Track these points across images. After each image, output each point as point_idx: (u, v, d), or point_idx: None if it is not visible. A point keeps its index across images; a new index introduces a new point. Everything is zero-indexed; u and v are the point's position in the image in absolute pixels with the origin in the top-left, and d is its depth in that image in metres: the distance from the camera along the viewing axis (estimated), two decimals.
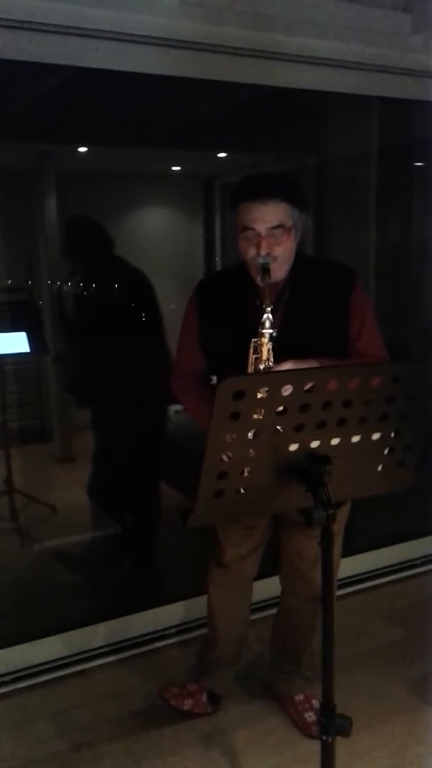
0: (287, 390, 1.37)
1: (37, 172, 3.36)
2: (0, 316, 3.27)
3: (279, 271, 1.89)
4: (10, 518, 3.55)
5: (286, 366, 1.79)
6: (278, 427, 1.41)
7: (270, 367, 1.80)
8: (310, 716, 2.28)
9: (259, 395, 1.36)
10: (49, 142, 3.26)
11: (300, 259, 1.96)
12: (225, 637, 2.30)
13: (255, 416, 1.39)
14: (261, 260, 1.86)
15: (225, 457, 1.42)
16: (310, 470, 1.44)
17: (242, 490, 1.49)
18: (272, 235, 1.86)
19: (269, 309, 1.80)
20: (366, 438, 1.50)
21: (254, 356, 1.83)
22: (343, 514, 2.12)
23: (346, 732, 1.51)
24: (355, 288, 1.98)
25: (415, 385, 1.50)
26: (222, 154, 3.69)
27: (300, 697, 2.33)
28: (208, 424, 1.91)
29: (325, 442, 1.46)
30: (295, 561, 2.20)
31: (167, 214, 3.88)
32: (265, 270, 1.84)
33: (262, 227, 1.86)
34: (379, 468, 1.58)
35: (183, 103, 2.92)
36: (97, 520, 3.23)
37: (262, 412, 1.39)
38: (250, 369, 1.83)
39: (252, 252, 1.87)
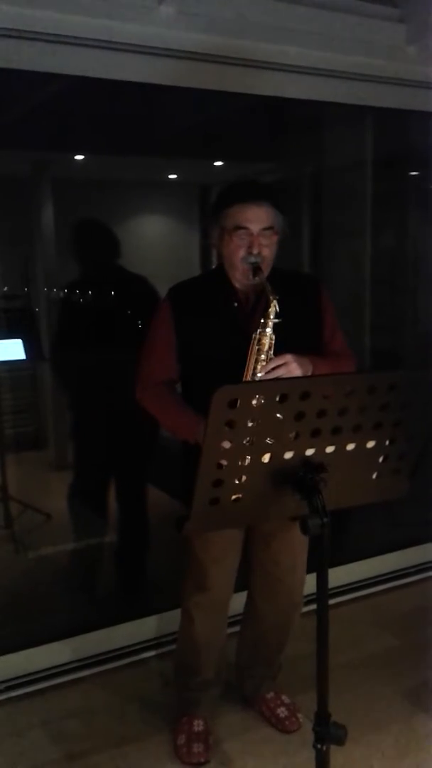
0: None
1: (34, 180, 3.37)
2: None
3: (265, 273, 1.94)
4: (4, 525, 3.53)
5: (287, 357, 1.85)
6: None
7: (271, 360, 1.85)
8: (283, 712, 2.31)
9: (254, 403, 1.37)
10: (46, 150, 3.27)
11: (271, 270, 2.01)
12: (209, 662, 2.25)
13: (250, 424, 1.39)
14: (252, 259, 1.93)
15: (220, 465, 1.43)
16: (305, 478, 1.44)
17: (238, 498, 1.49)
18: (263, 235, 1.94)
19: (276, 300, 1.85)
20: (361, 446, 1.51)
21: (256, 347, 1.87)
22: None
23: (341, 740, 1.51)
24: (323, 293, 2.11)
25: (410, 393, 1.50)
26: (219, 163, 3.70)
27: (270, 695, 2.35)
28: (188, 431, 1.93)
29: (320, 450, 1.46)
30: (271, 570, 2.19)
31: (164, 222, 3.89)
32: (257, 268, 1.92)
33: (256, 227, 1.94)
34: (374, 476, 1.58)
35: (180, 112, 2.93)
36: (87, 525, 3.23)
37: (257, 419, 1.39)
38: (251, 363, 1.87)
39: (242, 252, 1.94)
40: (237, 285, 2.02)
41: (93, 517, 3.20)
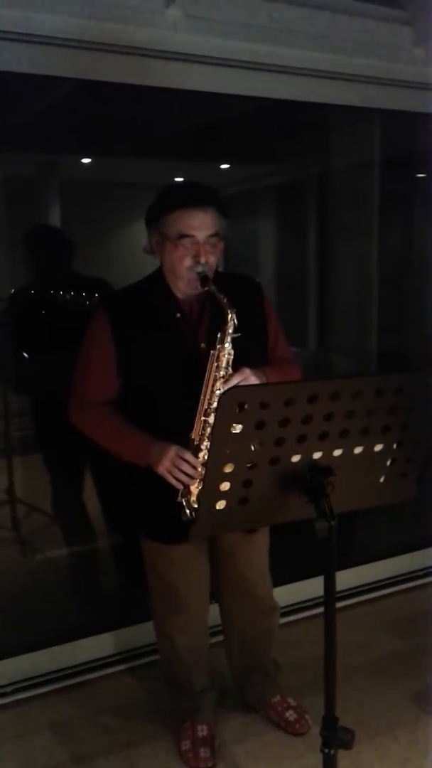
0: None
1: (41, 183, 3.38)
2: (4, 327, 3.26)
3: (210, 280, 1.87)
4: (11, 527, 3.54)
5: (246, 372, 1.80)
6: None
7: (230, 375, 1.80)
8: (291, 715, 2.28)
9: (261, 407, 1.37)
10: (53, 153, 3.28)
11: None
12: (200, 673, 2.22)
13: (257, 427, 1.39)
14: (200, 269, 1.84)
15: (226, 469, 1.42)
16: (312, 481, 1.44)
17: (245, 502, 1.49)
18: (209, 243, 1.86)
19: (234, 313, 1.78)
20: (368, 449, 1.50)
21: (215, 364, 1.80)
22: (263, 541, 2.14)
23: (348, 745, 1.50)
24: (264, 296, 2.03)
25: (418, 396, 1.50)
26: (225, 166, 3.71)
27: (276, 698, 2.33)
28: (138, 454, 1.85)
29: (328, 453, 1.46)
30: (239, 584, 2.16)
31: None
32: (205, 278, 1.83)
33: (201, 234, 1.84)
34: (382, 479, 1.58)
35: (186, 115, 2.94)
36: (93, 528, 3.22)
37: (264, 422, 1.39)
38: (210, 380, 1.81)
39: (188, 262, 1.85)
40: (179, 294, 1.93)
41: (93, 520, 3.19)
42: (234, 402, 1.34)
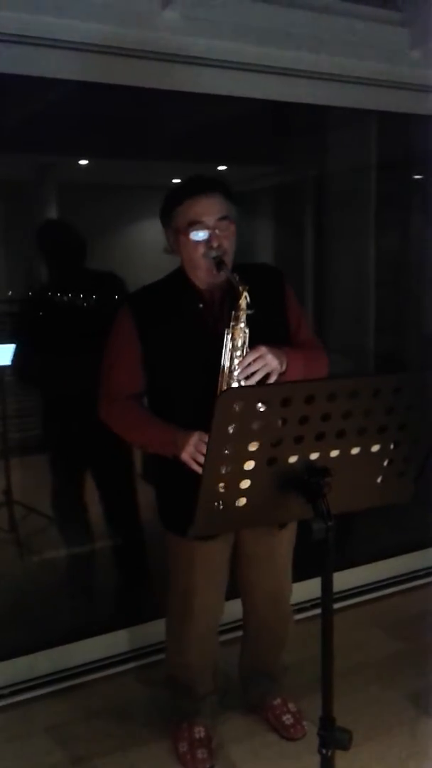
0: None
1: (38, 184, 3.38)
2: (0, 327, 3.26)
3: (228, 265, 1.88)
4: (9, 529, 3.53)
5: (262, 350, 1.80)
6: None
7: (246, 353, 1.80)
8: (288, 719, 2.28)
9: (259, 407, 1.37)
10: (50, 155, 3.28)
11: (233, 265, 1.95)
12: (204, 678, 2.23)
13: (254, 426, 1.39)
14: (214, 253, 1.85)
15: (224, 469, 1.42)
16: (310, 482, 1.44)
17: (242, 502, 1.49)
18: (219, 227, 1.88)
19: (247, 289, 1.79)
20: (365, 449, 1.50)
21: (230, 343, 1.81)
22: (290, 534, 2.14)
23: (345, 745, 1.50)
24: (286, 284, 2.05)
25: (415, 396, 1.50)
26: (222, 167, 3.71)
27: (277, 701, 2.33)
28: (162, 445, 1.88)
29: (325, 453, 1.46)
30: (259, 588, 2.17)
31: None
32: (221, 262, 1.84)
33: (210, 219, 1.87)
34: (379, 480, 1.58)
35: (183, 116, 2.94)
36: (91, 529, 3.22)
37: (261, 422, 1.39)
38: (225, 359, 1.82)
39: (202, 249, 1.87)
40: (200, 285, 1.95)
41: (95, 520, 3.19)
42: (231, 402, 1.34)
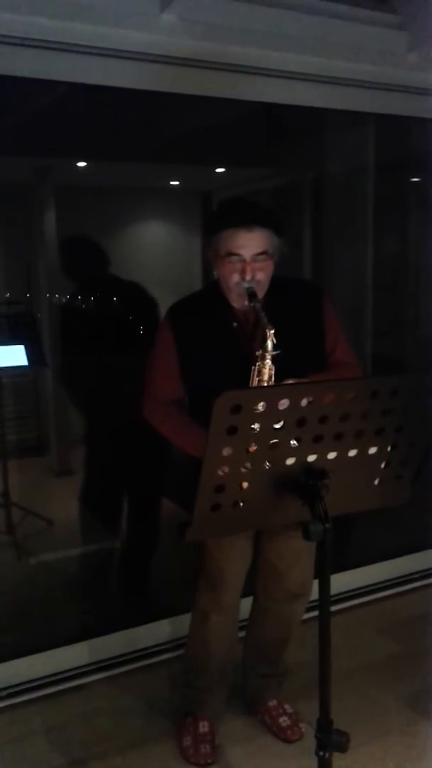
0: (284, 404, 1.38)
1: (36, 186, 3.39)
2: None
3: (260, 294, 1.93)
4: (6, 531, 3.53)
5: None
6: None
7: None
8: (285, 721, 2.29)
9: (256, 409, 1.37)
10: (48, 157, 3.29)
11: (271, 280, 2.00)
12: (218, 661, 2.25)
13: (252, 430, 1.39)
14: (246, 285, 1.91)
15: (221, 471, 1.43)
16: (307, 484, 1.44)
17: (240, 504, 1.49)
18: (256, 260, 1.91)
19: (272, 331, 1.85)
20: (363, 452, 1.51)
21: (257, 379, 1.87)
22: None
23: (343, 747, 1.51)
24: (325, 303, 2.08)
25: (412, 399, 1.50)
26: (220, 169, 3.72)
27: (273, 702, 2.34)
28: (196, 448, 1.89)
29: (322, 456, 1.46)
30: (274, 561, 2.20)
31: (165, 229, 3.90)
32: (253, 294, 1.90)
33: (248, 253, 1.91)
34: (376, 482, 1.58)
35: (181, 119, 2.95)
36: (90, 531, 3.23)
37: (259, 426, 1.39)
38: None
39: (236, 278, 1.92)
40: (235, 305, 2.01)
41: (96, 523, 3.20)
42: (229, 404, 1.34)
